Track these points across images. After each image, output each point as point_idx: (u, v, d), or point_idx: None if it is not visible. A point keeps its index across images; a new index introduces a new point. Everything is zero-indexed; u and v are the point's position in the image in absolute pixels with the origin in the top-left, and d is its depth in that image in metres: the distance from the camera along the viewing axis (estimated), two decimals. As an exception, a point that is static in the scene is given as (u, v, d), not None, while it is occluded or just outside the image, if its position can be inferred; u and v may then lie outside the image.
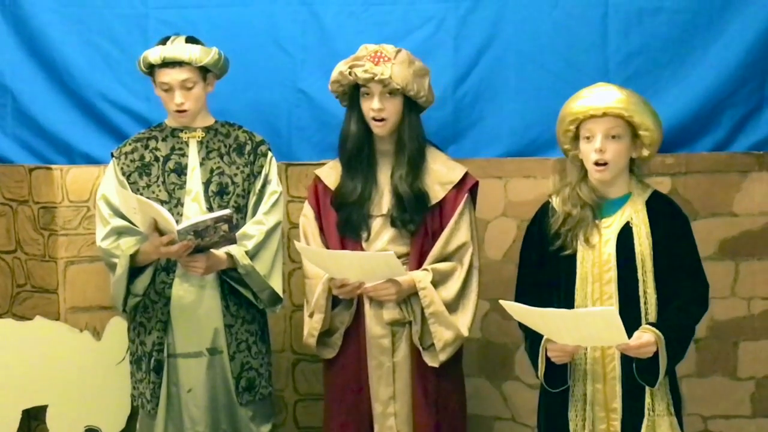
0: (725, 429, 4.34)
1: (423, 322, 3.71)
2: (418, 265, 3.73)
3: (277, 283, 3.86)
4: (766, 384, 4.32)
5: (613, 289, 3.36)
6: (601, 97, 3.33)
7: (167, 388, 3.83)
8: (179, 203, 3.83)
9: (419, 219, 3.72)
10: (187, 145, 3.89)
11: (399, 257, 3.66)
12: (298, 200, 4.40)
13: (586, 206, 3.39)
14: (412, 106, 3.74)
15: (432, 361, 3.70)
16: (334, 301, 3.76)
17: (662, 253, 3.36)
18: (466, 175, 3.78)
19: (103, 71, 4.43)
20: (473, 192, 3.81)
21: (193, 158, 3.88)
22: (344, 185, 3.76)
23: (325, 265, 3.67)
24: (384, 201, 3.77)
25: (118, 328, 4.22)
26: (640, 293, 3.35)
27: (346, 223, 3.75)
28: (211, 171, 3.86)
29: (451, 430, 3.78)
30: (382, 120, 3.70)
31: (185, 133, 3.90)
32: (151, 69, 3.81)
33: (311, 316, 3.76)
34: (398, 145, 3.75)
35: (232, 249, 3.75)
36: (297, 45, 4.42)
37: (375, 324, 3.73)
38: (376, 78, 3.66)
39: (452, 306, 3.72)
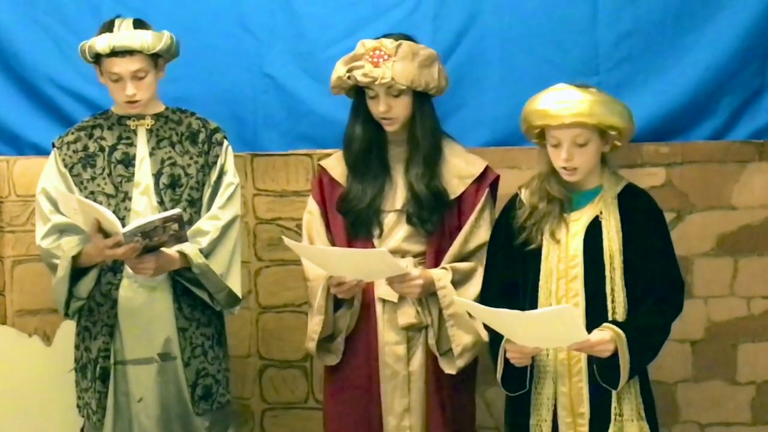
0: (724, 437, 4.32)
1: (440, 325, 3.61)
2: (436, 264, 3.64)
3: (234, 283, 3.76)
4: (766, 389, 4.29)
5: (579, 286, 3.32)
6: (563, 106, 3.28)
7: (115, 398, 3.74)
8: (127, 197, 3.74)
9: (437, 218, 3.64)
10: (136, 134, 3.80)
11: (415, 256, 3.63)
12: (264, 193, 4.34)
13: (554, 200, 3.37)
14: (423, 98, 3.66)
15: (449, 368, 3.61)
16: (338, 304, 3.67)
17: (633, 249, 3.32)
18: (486, 169, 3.70)
19: (53, 54, 4.30)
20: (493, 187, 3.72)
21: (141, 148, 3.78)
22: (351, 189, 3.68)
23: (319, 262, 3.59)
24: (398, 196, 3.68)
25: (69, 332, 4.02)
26: (608, 291, 3.31)
27: (354, 223, 3.66)
28: (162, 161, 3.76)
29: None
30: (390, 119, 3.63)
31: (133, 120, 3.80)
32: (97, 57, 3.70)
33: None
34: (412, 141, 3.67)
35: (185, 247, 3.66)
36: (264, 26, 4.30)
37: (389, 330, 3.64)
38: (377, 82, 3.58)
39: None
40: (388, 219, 3.65)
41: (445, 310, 3.56)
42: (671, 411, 4.17)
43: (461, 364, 3.58)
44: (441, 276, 3.57)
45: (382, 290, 3.59)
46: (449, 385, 3.62)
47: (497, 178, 3.71)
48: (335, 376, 3.68)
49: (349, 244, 3.62)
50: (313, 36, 4.25)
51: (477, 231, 3.64)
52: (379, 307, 3.62)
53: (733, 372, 4.26)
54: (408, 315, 3.60)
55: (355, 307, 3.63)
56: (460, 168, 3.66)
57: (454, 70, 4.19)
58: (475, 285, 3.59)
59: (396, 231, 3.64)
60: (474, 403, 3.76)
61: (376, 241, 3.63)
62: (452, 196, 3.64)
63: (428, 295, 3.58)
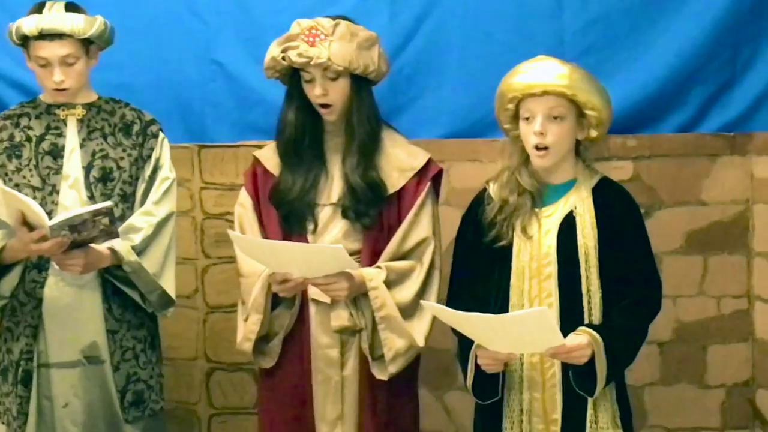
0: (692, 442, 4.33)
1: (374, 328, 3.51)
2: (371, 264, 3.52)
3: (168, 283, 3.67)
4: (737, 392, 4.30)
5: (552, 286, 3.25)
6: (541, 74, 3.24)
7: (38, 403, 3.66)
8: (54, 190, 3.65)
9: (375, 212, 3.53)
10: (65, 124, 3.71)
11: (352, 254, 3.48)
12: (212, 187, 4.31)
13: (525, 193, 3.31)
14: (361, 83, 3.54)
15: (381, 374, 3.49)
16: (274, 302, 3.57)
17: (609, 247, 3.27)
18: (429, 161, 3.58)
19: (-12, 39, 4.28)
20: (436, 181, 3.61)
21: (71, 139, 3.69)
22: (283, 180, 3.58)
23: (263, 257, 3.46)
24: (334, 188, 3.57)
25: (4, 333, 3.97)
26: (584, 291, 3.25)
27: (288, 218, 3.55)
28: (93, 154, 3.68)
29: None
30: (328, 106, 3.53)
31: (63, 110, 3.71)
32: (25, 40, 3.62)
33: (247, 319, 3.58)
34: (348, 130, 3.57)
35: (116, 244, 3.57)
36: (212, 10, 4.27)
37: (321, 332, 3.53)
38: (312, 62, 3.47)
39: (407, 311, 3.48)
40: (323, 213, 3.54)
41: (376, 312, 3.46)
42: (638, 415, 4.00)
43: (393, 370, 3.47)
44: (373, 276, 3.46)
45: (315, 290, 3.48)
46: (385, 391, 3.51)
47: (440, 171, 3.62)
48: (269, 379, 3.58)
49: (284, 237, 3.51)
50: (263, 21, 4.17)
51: (416, 227, 3.53)
52: (312, 308, 3.52)
53: (703, 374, 4.27)
54: (341, 317, 3.49)
55: (295, 307, 3.52)
56: (401, 160, 3.55)
57: (412, 58, 4.24)
58: (413, 285, 3.50)
59: (332, 227, 3.54)
60: (416, 407, 3.67)
61: (310, 237, 3.53)
62: (392, 190, 3.54)
63: (362, 296, 3.48)
